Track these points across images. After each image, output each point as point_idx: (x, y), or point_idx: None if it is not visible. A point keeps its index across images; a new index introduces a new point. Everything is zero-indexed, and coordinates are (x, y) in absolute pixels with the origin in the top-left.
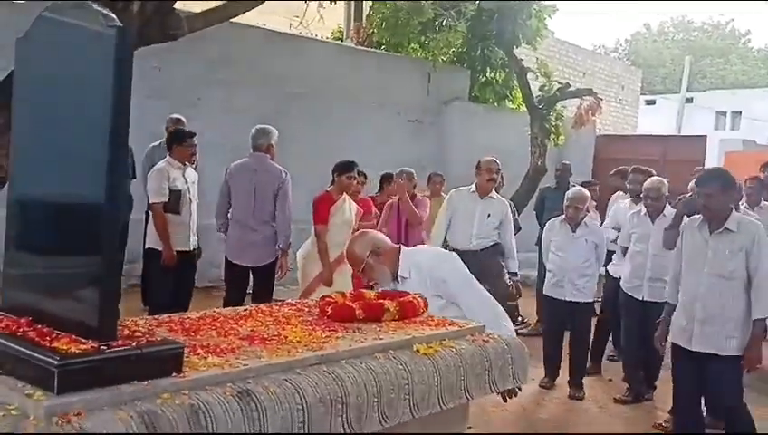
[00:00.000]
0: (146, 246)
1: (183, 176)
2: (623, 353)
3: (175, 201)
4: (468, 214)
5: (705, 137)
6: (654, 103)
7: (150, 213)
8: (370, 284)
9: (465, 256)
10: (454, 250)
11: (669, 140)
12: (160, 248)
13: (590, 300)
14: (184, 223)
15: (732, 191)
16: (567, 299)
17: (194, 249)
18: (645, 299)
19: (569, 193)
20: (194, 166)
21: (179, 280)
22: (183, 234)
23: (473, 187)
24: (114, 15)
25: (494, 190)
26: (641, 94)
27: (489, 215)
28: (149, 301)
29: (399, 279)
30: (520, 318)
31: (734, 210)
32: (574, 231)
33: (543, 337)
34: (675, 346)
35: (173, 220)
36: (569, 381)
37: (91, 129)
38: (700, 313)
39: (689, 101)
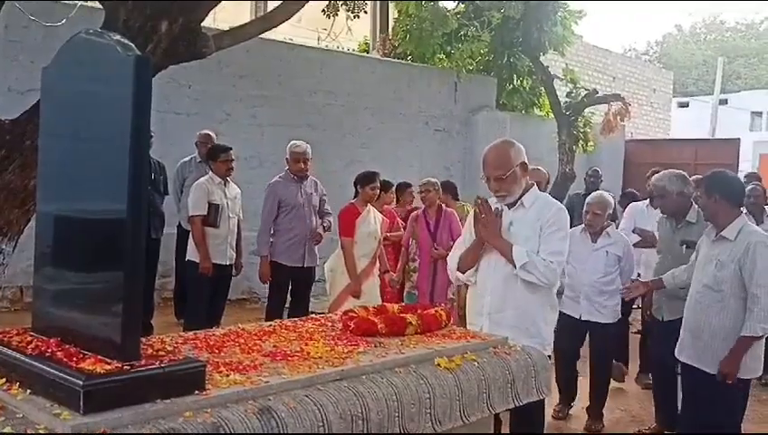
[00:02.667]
0: (186, 259)
1: (223, 191)
2: (652, 378)
3: (213, 215)
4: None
5: (738, 140)
6: (687, 106)
7: (183, 227)
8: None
9: None
10: None
11: (702, 143)
12: (198, 261)
13: (611, 321)
14: (221, 236)
15: (732, 198)
16: (583, 318)
17: (230, 263)
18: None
19: (588, 197)
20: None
21: (214, 293)
22: (220, 247)
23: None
24: (131, 43)
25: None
26: (673, 97)
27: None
28: (184, 314)
29: (519, 203)
30: None
31: (737, 218)
32: (594, 241)
33: (555, 357)
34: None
35: (211, 233)
36: (587, 409)
37: (112, 149)
38: (691, 323)
39: (723, 102)
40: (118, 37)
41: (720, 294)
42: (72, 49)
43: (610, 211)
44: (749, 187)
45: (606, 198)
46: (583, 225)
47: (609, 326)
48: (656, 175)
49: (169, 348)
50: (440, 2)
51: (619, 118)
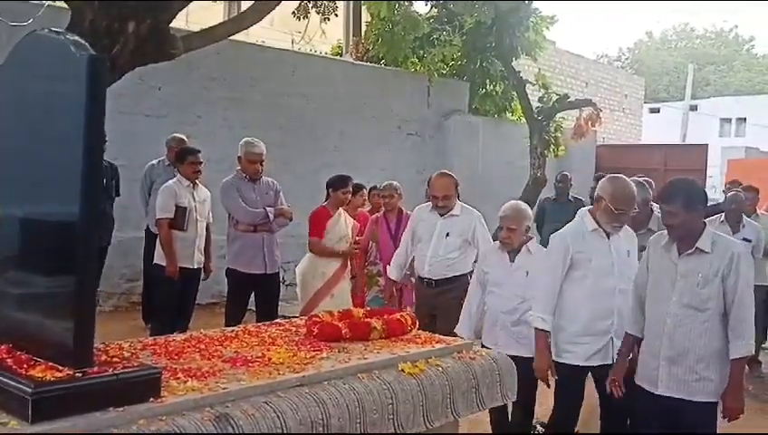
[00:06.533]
0: (153, 262)
1: (191, 194)
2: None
3: (180, 218)
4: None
5: (706, 145)
6: (658, 111)
7: (151, 230)
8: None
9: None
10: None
11: (671, 148)
12: (165, 264)
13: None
14: (189, 239)
15: (700, 207)
16: (507, 352)
17: (198, 267)
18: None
19: (501, 209)
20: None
21: (181, 297)
22: (187, 250)
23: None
24: (87, 43)
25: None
26: (645, 103)
27: (448, 234)
28: (151, 318)
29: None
30: None
31: (707, 227)
32: (512, 260)
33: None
34: (639, 389)
35: (178, 237)
36: None
37: (65, 151)
38: (667, 349)
39: (693, 108)
40: (73, 37)
41: (705, 314)
42: (26, 48)
43: (528, 223)
44: (730, 193)
45: (520, 208)
46: (499, 243)
47: (530, 360)
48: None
49: (126, 354)
50: (412, 5)
51: (590, 123)
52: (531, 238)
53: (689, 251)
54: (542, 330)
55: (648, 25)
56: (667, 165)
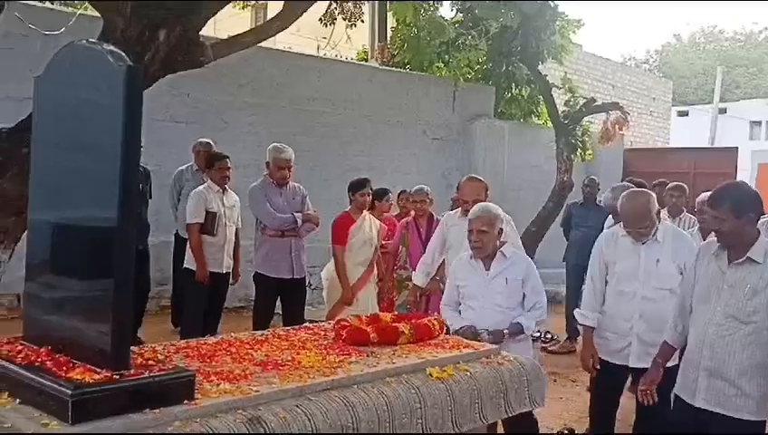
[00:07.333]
0: (183, 267)
1: (221, 199)
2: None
3: (210, 223)
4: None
5: (736, 148)
6: (687, 114)
7: (181, 235)
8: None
9: None
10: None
11: (700, 152)
12: (195, 269)
13: None
14: (218, 244)
15: (751, 214)
16: None
17: (227, 272)
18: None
19: (470, 212)
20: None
21: (211, 301)
22: (217, 255)
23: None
24: (124, 53)
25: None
26: (673, 105)
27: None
28: (181, 321)
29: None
30: (549, 335)
31: (761, 236)
32: (488, 268)
33: None
34: (677, 398)
35: (208, 241)
36: None
37: (104, 157)
38: (707, 360)
39: (722, 111)
40: (110, 47)
41: (750, 327)
42: (65, 58)
43: (501, 226)
44: None
45: (491, 209)
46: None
47: None
48: (606, 195)
49: (161, 357)
50: (438, 10)
51: (617, 127)
52: (505, 243)
53: (739, 260)
54: (583, 325)
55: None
56: (696, 169)
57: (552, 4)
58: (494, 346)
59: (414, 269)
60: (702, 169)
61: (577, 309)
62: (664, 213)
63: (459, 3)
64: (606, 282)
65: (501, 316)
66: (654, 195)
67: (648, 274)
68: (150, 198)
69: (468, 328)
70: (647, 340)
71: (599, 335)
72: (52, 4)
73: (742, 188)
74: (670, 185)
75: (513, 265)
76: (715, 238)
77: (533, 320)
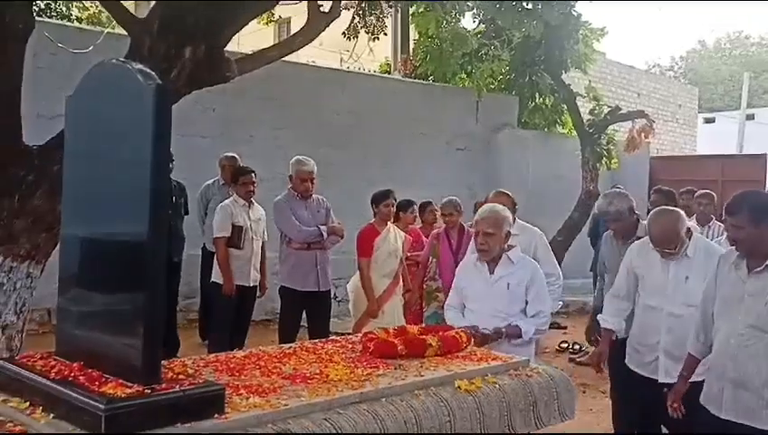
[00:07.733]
0: (210, 280)
1: (247, 213)
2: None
3: (237, 237)
4: None
5: (765, 155)
6: (713, 121)
7: (208, 249)
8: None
9: None
10: None
11: (727, 159)
12: (222, 282)
13: None
14: (245, 258)
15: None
16: None
17: (254, 285)
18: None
19: (477, 213)
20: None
21: (238, 314)
22: (244, 268)
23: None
24: (153, 72)
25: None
26: (699, 112)
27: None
28: (208, 334)
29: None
30: (577, 346)
31: None
32: (492, 271)
33: None
34: (704, 410)
35: (234, 255)
36: None
37: (135, 173)
38: (731, 371)
39: (750, 117)
40: (139, 66)
41: None
42: (95, 77)
43: (509, 228)
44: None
45: (498, 210)
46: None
47: None
48: (599, 203)
49: (190, 371)
50: (461, 21)
51: (643, 135)
52: (513, 247)
53: (759, 269)
54: (604, 328)
55: (700, 34)
56: (724, 176)
57: (575, 13)
58: (523, 358)
59: (444, 280)
60: (730, 176)
61: (600, 314)
62: (692, 222)
63: (481, 14)
64: (633, 290)
65: (500, 322)
66: (683, 213)
67: (675, 290)
68: (187, 213)
69: (470, 329)
70: (675, 354)
71: (631, 345)
72: (81, 23)
73: (760, 195)
74: (698, 193)
75: (519, 271)
76: (734, 247)
77: (533, 327)
